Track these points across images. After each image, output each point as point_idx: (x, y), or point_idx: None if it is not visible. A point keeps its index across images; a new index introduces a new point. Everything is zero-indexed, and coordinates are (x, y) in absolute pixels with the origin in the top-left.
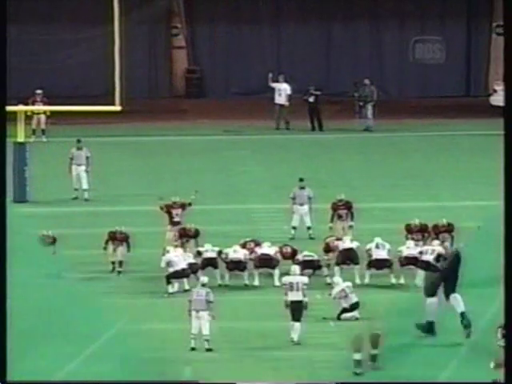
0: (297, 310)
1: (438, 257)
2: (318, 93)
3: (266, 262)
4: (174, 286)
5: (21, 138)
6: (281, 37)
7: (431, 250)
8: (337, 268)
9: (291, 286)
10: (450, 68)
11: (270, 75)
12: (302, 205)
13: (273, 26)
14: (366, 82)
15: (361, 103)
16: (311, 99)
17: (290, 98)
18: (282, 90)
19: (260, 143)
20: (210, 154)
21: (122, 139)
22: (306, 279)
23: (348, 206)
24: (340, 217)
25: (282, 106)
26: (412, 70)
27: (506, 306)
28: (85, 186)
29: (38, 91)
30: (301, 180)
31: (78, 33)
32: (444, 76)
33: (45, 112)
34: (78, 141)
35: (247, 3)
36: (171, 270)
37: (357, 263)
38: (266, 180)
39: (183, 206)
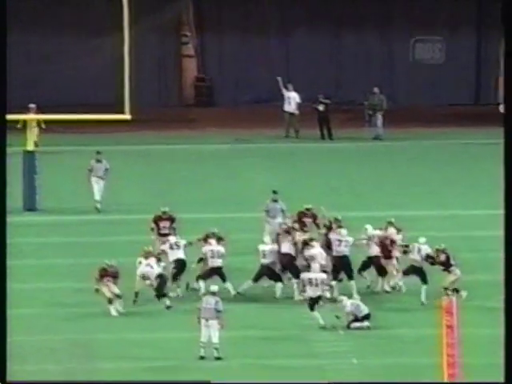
0: (315, 303)
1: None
2: (327, 101)
3: (289, 265)
4: (166, 299)
5: (30, 147)
6: (290, 45)
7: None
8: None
9: (310, 282)
10: (459, 76)
11: (280, 79)
12: (274, 217)
13: (282, 34)
14: (376, 90)
15: (370, 112)
16: (321, 107)
17: (299, 106)
18: (292, 99)
19: (270, 152)
20: (219, 163)
21: (131, 148)
22: (324, 276)
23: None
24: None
25: (291, 114)
26: (422, 78)
27: (506, 305)
28: (97, 197)
29: (32, 105)
30: (274, 192)
31: (87, 41)
32: (454, 84)
33: (39, 124)
34: (98, 152)
35: (256, 12)
36: (148, 282)
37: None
38: (275, 189)
39: (172, 219)
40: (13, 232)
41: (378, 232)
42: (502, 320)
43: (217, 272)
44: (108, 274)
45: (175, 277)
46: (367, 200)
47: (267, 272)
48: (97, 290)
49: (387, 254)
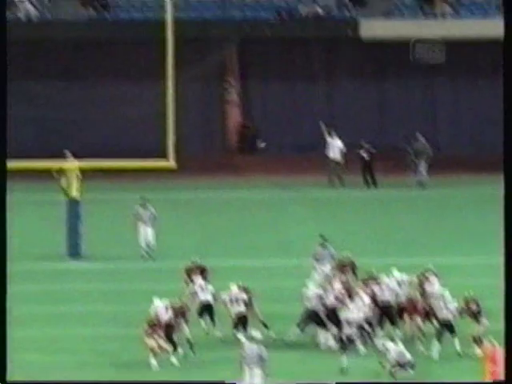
0: (348, 344)
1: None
2: (372, 150)
3: (332, 316)
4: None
5: (74, 194)
6: (333, 92)
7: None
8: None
9: (348, 322)
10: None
11: (322, 124)
12: (322, 263)
13: (325, 81)
14: (420, 137)
15: (414, 158)
16: (365, 155)
17: (343, 154)
18: (336, 147)
19: (313, 199)
20: (263, 210)
21: (176, 196)
22: (362, 316)
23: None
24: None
25: (336, 162)
26: (466, 125)
27: (505, 306)
28: (143, 243)
29: (68, 153)
30: (322, 237)
31: (132, 89)
32: (499, 131)
33: (76, 173)
34: (142, 198)
35: (300, 59)
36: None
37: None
38: (318, 236)
39: (202, 269)
40: (57, 278)
41: (405, 277)
42: None
43: (240, 320)
44: (156, 326)
45: (200, 315)
46: (410, 247)
47: (312, 317)
48: (152, 349)
49: (413, 309)
